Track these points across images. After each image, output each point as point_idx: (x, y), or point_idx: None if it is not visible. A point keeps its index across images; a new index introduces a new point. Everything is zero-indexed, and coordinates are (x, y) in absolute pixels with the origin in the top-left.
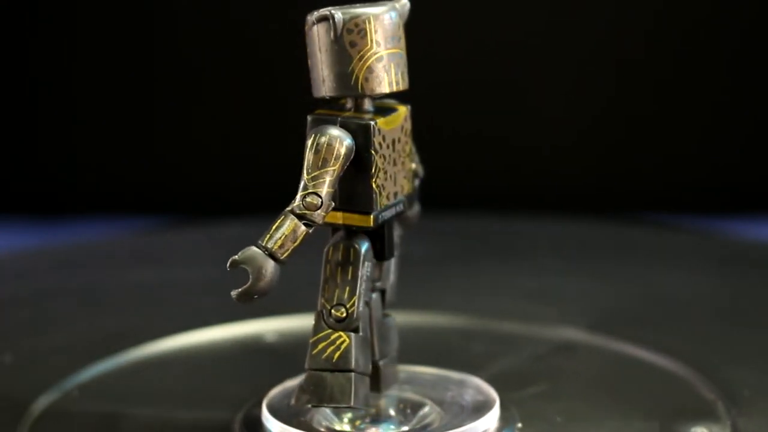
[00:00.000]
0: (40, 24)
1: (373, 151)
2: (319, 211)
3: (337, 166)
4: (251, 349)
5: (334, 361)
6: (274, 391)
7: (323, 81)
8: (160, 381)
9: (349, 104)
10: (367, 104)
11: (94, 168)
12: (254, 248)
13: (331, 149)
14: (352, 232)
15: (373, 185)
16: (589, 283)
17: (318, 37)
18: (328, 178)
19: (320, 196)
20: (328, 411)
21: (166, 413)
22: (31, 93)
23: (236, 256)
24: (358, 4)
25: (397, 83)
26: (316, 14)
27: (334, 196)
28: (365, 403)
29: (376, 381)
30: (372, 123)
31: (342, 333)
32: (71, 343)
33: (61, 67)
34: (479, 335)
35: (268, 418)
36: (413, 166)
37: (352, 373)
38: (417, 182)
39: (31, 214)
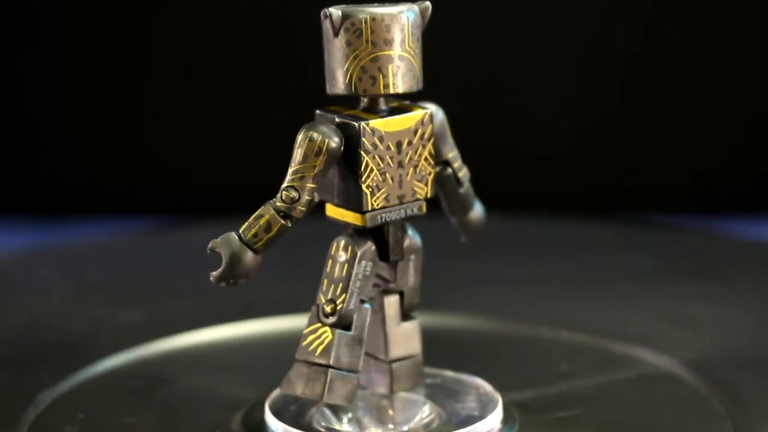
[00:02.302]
0: (40, 24)
1: (362, 152)
2: (296, 205)
3: (318, 162)
4: (254, 348)
5: (316, 355)
6: (277, 392)
7: (328, 78)
8: (162, 380)
9: (363, 103)
10: (382, 104)
11: (94, 168)
12: (232, 234)
13: (312, 146)
14: (357, 231)
15: (363, 186)
16: (728, 311)
17: (325, 35)
18: (308, 174)
19: (298, 191)
20: (327, 411)
21: (166, 413)
22: (31, 93)
23: (215, 240)
24: (375, 4)
25: (395, 86)
26: (323, 11)
27: (330, 193)
28: (346, 401)
29: (389, 382)
30: (361, 123)
31: (328, 328)
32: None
33: (61, 67)
34: (577, 353)
35: (269, 418)
36: (449, 171)
37: (329, 369)
38: (464, 187)
39: (31, 214)
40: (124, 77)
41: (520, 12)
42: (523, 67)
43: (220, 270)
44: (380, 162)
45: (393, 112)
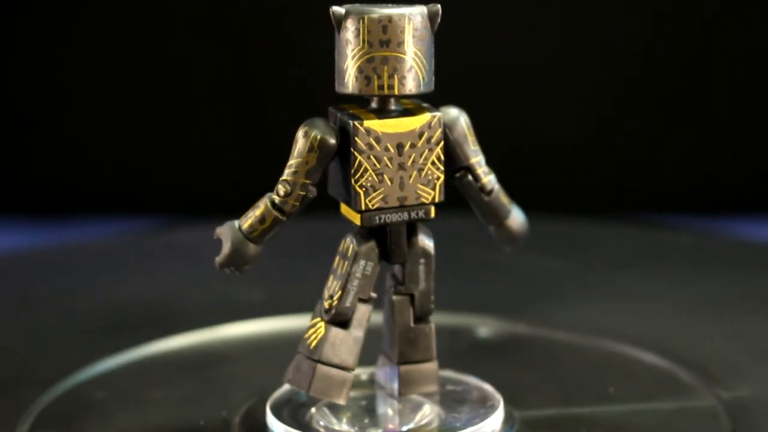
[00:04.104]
0: (38, 24)
1: (355, 151)
2: (288, 199)
3: (311, 159)
4: (255, 348)
5: (310, 348)
6: (280, 390)
7: (336, 76)
8: (164, 380)
9: (373, 102)
10: (391, 104)
11: (94, 168)
12: (234, 223)
13: (305, 141)
14: (364, 229)
15: (356, 185)
16: None
17: (335, 33)
18: (301, 170)
19: (290, 184)
20: (327, 411)
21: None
22: (32, 93)
23: (219, 227)
24: (389, 5)
25: (390, 87)
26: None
27: (338, 191)
28: (335, 398)
29: (398, 384)
30: (354, 122)
31: (323, 324)
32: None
33: (61, 67)
34: (638, 375)
35: (269, 416)
36: (469, 178)
37: (318, 364)
38: (491, 195)
39: (31, 214)
40: (124, 77)
41: (521, 14)
42: (524, 68)
43: (221, 256)
44: (376, 163)
45: (403, 113)
